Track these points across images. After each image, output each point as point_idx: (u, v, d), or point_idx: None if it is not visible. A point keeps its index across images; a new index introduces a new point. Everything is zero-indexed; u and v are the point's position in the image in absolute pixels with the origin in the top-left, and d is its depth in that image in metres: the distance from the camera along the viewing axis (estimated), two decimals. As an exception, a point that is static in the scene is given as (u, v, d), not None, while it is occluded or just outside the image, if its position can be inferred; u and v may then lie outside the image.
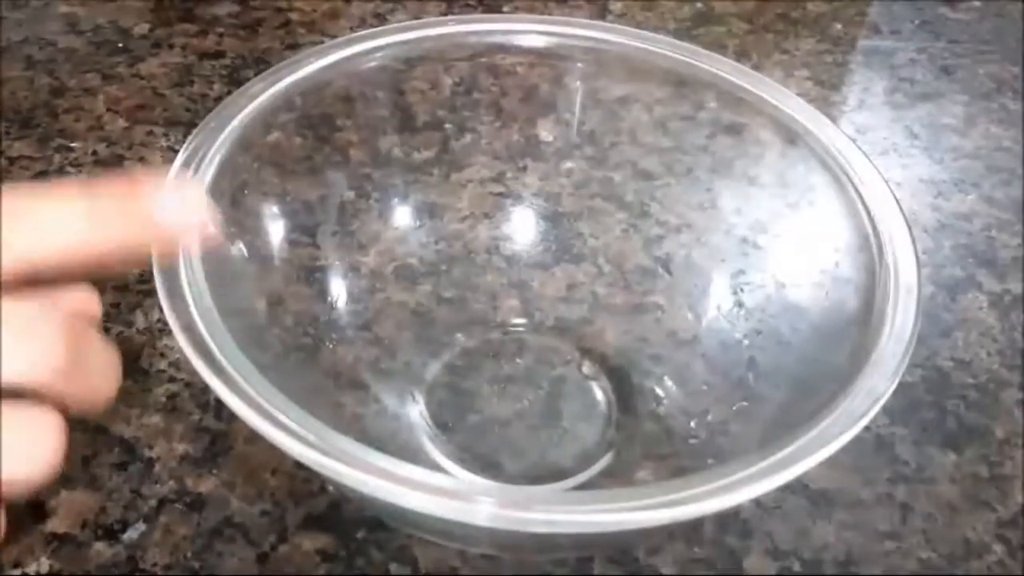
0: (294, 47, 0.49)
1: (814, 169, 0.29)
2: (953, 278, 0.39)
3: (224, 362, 0.21)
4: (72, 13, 0.50)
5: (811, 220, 0.30)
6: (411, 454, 0.30)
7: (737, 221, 0.33)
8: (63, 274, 0.19)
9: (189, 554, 0.27)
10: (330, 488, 0.29)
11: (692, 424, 0.30)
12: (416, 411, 0.31)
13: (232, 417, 0.27)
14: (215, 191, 0.26)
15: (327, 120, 0.32)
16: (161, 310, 0.22)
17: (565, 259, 0.35)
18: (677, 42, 0.32)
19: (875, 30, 0.55)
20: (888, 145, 0.46)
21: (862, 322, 0.25)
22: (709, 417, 0.30)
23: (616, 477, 0.30)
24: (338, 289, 0.33)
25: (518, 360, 0.33)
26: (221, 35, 0.49)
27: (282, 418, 0.20)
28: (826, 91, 0.50)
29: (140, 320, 0.34)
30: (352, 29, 0.50)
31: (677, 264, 0.34)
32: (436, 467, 0.29)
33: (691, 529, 0.29)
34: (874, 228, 0.27)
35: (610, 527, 0.20)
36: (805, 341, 0.29)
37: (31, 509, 0.28)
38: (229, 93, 0.29)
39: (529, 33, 0.33)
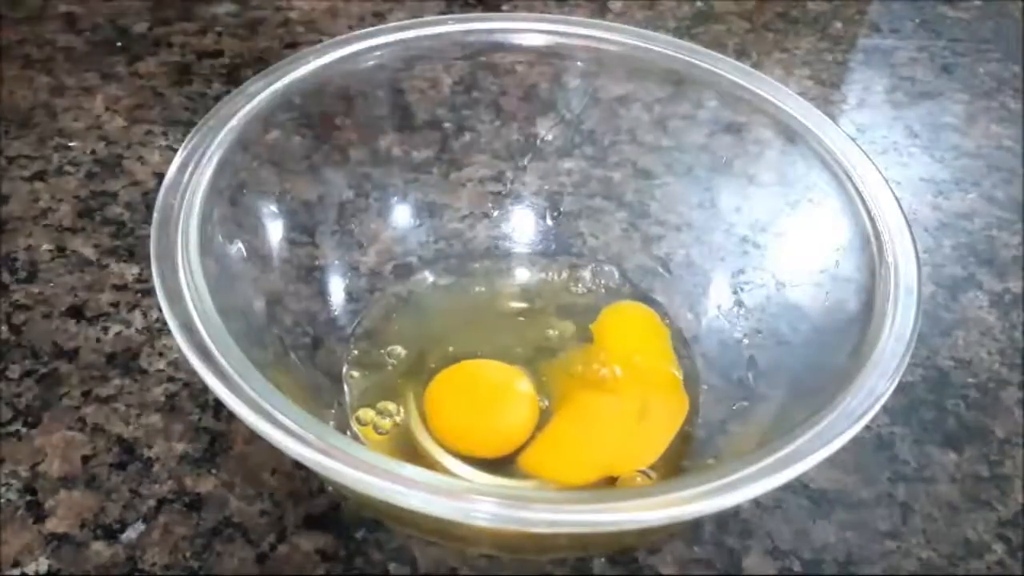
0: (293, 46, 0.49)
1: (814, 168, 0.29)
2: (953, 277, 0.38)
3: (223, 362, 0.21)
4: (71, 12, 0.50)
5: (811, 219, 0.30)
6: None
7: (737, 220, 0.33)
8: None
9: (188, 554, 0.27)
10: (330, 488, 0.29)
11: (692, 424, 0.30)
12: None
13: (231, 417, 0.27)
14: (214, 190, 0.26)
15: (326, 119, 0.32)
16: (160, 309, 0.22)
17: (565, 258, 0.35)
18: (677, 41, 0.32)
19: (875, 29, 0.55)
20: (888, 144, 0.46)
21: (862, 321, 0.25)
22: (709, 417, 0.30)
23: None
24: (337, 288, 0.33)
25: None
26: (220, 34, 0.49)
27: (281, 418, 0.20)
28: (826, 90, 0.49)
29: (139, 320, 0.34)
30: (351, 28, 0.50)
31: (677, 263, 0.34)
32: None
33: (691, 529, 0.29)
34: (874, 227, 0.27)
35: (610, 527, 0.20)
36: (805, 341, 0.29)
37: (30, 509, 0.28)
38: (228, 92, 0.29)
39: (528, 32, 0.33)
